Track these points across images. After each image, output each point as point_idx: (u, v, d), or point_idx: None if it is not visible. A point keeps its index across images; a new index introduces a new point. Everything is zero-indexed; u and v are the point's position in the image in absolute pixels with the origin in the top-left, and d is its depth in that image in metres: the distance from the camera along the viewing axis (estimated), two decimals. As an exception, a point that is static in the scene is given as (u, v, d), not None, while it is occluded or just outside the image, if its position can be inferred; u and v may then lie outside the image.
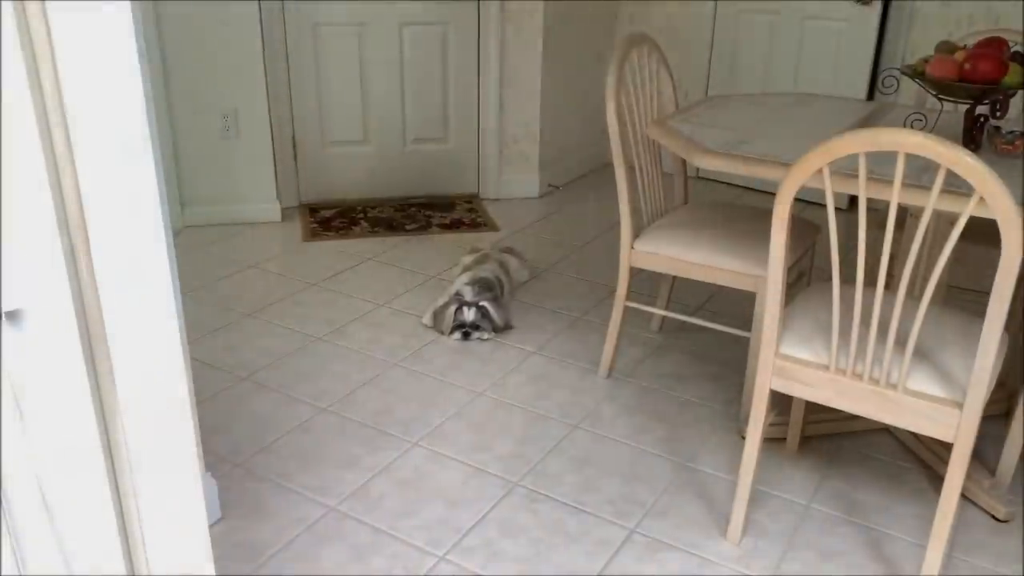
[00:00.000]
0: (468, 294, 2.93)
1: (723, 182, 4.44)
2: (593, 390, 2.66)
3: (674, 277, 2.95)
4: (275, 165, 3.84)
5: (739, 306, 3.15)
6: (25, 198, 0.59)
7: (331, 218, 3.95)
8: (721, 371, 2.79)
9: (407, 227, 3.88)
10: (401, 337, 2.94)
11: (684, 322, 3.06)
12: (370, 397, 2.59)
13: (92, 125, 0.64)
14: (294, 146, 3.96)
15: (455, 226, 3.90)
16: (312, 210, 4.02)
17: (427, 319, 3.01)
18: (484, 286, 2.98)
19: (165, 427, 0.75)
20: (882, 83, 3.30)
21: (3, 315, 0.55)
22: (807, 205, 3.57)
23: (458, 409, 2.55)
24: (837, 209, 1.71)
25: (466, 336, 2.90)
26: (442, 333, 2.94)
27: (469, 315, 2.88)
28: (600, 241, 3.78)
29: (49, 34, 0.63)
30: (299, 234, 3.78)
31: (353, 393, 2.61)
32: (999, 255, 1.60)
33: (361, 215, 3.99)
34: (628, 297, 2.65)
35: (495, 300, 2.96)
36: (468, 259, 3.26)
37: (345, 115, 3.99)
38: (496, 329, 2.93)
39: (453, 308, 2.90)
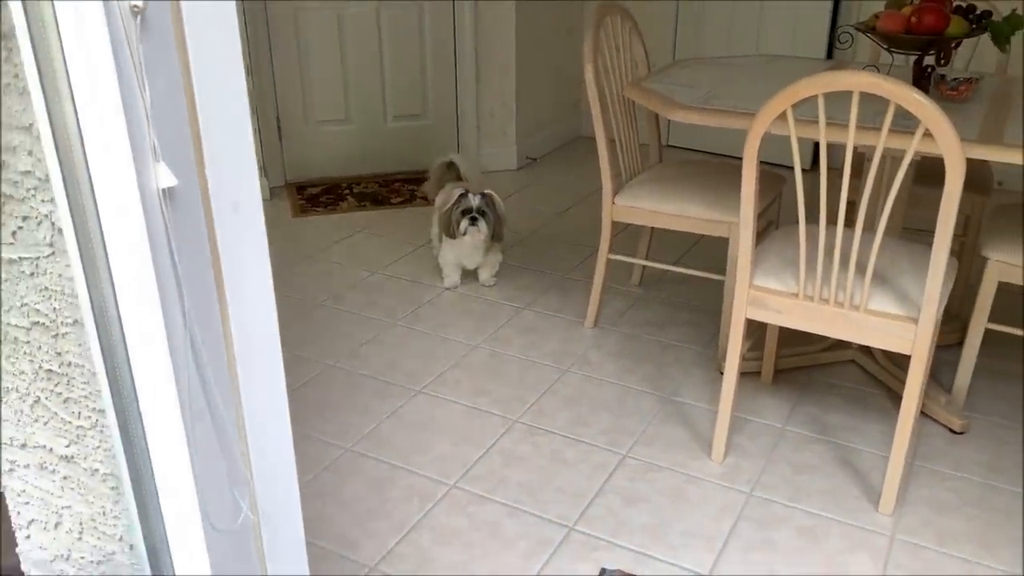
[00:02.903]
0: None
1: (692, 149, 4.63)
2: (580, 339, 2.85)
3: (651, 233, 3.14)
4: (261, 145, 3.98)
5: (711, 260, 3.34)
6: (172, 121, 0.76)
7: (318, 195, 4.09)
8: (698, 318, 2.98)
9: (392, 200, 4.03)
10: (397, 300, 3.11)
11: (662, 276, 3.26)
12: (373, 353, 2.76)
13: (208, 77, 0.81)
14: (279, 126, 4.09)
15: (439, 198, 4.06)
16: (299, 188, 4.16)
17: (434, 234, 3.11)
18: (480, 189, 3.04)
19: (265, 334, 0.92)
20: (838, 39, 3.50)
21: (163, 191, 0.71)
22: (770, 167, 3.77)
23: (456, 360, 2.72)
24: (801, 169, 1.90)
25: (473, 221, 2.93)
26: (452, 237, 2.99)
27: (475, 200, 2.94)
28: (577, 208, 3.96)
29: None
30: (288, 211, 3.92)
31: (357, 350, 2.77)
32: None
33: (347, 191, 4.13)
34: (610, 252, 2.83)
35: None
36: (440, 197, 3.24)
37: (327, 95, 4.13)
38: (497, 232, 2.98)
39: (453, 196, 2.93)
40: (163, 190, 0.71)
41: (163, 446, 0.82)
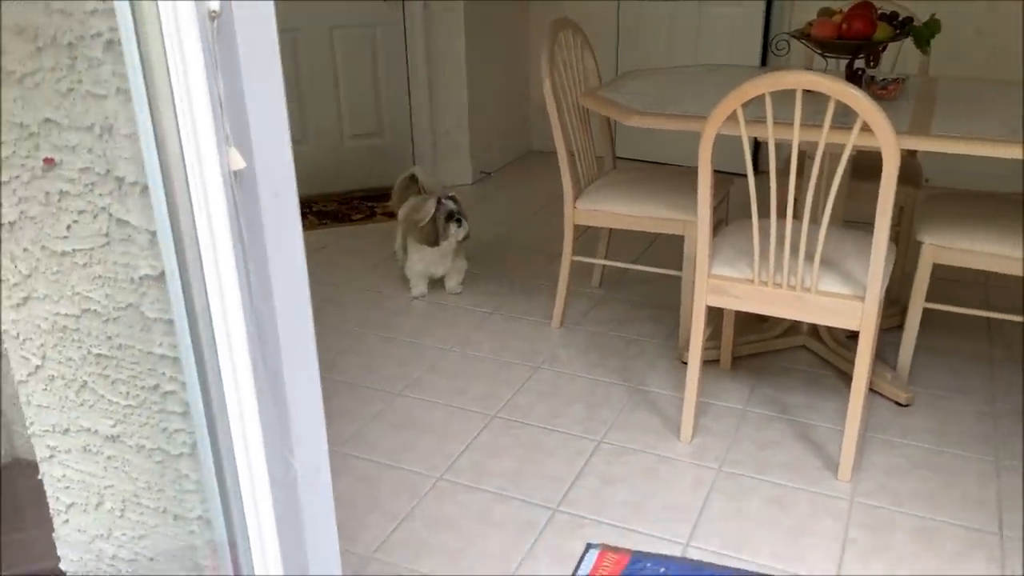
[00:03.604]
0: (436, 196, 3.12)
1: (639, 159, 4.82)
2: (548, 338, 2.98)
3: (609, 237, 3.29)
4: (222, 168, 4.03)
5: (666, 259, 3.51)
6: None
7: (279, 215, 4.15)
8: (658, 313, 3.14)
9: (353, 217, 4.12)
10: (367, 312, 3.20)
11: (620, 277, 3.41)
12: (351, 362, 2.85)
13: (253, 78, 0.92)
14: (238, 149, 4.16)
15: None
16: (259, 209, 4.22)
17: (398, 246, 3.29)
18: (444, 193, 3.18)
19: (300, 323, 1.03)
20: (775, 47, 3.73)
21: (232, 173, 0.82)
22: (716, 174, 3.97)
23: (432, 364, 2.82)
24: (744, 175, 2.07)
25: (459, 223, 3.10)
26: (435, 245, 3.10)
27: (451, 204, 3.09)
28: (534, 218, 4.11)
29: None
30: (251, 231, 3.98)
31: (335, 359, 2.85)
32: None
33: (307, 210, 4.21)
34: (573, 254, 2.97)
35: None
36: (404, 210, 3.36)
37: (284, 117, 4.21)
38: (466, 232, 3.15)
39: (433, 206, 3.06)
40: (232, 173, 0.82)
41: (242, 413, 0.92)
